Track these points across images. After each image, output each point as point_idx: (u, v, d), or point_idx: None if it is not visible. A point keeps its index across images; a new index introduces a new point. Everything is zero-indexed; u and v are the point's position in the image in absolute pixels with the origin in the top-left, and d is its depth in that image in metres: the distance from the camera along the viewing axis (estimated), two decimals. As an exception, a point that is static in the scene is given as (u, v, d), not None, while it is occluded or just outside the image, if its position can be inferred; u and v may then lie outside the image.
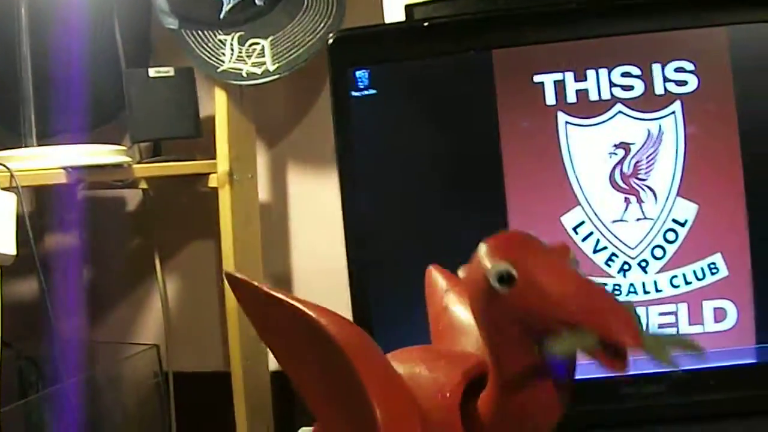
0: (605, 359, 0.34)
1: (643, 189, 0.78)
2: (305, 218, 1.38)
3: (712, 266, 0.78)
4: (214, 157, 1.22)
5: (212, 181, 1.20)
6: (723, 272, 0.77)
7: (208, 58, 1.19)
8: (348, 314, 0.70)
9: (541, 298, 0.35)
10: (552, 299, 0.35)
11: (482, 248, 0.38)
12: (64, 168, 1.02)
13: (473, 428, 0.41)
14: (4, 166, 0.97)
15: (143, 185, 1.27)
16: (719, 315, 0.78)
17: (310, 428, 0.90)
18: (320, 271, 1.25)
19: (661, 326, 0.78)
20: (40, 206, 1.13)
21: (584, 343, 0.34)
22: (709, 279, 0.78)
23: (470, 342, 0.47)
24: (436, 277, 0.54)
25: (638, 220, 0.78)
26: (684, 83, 0.77)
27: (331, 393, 0.44)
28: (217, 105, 1.21)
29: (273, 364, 1.32)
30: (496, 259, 0.37)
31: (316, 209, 1.34)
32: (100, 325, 1.51)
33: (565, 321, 0.34)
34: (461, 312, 0.50)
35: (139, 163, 1.22)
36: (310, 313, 0.41)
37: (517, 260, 0.36)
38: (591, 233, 0.79)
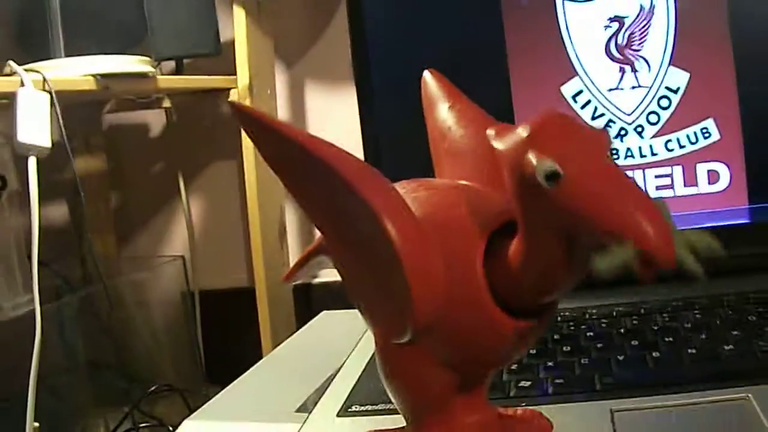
0: (641, 269, 0.32)
1: (637, 59, 0.83)
2: (324, 135, 1.43)
3: (704, 130, 0.82)
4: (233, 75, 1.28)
5: (233, 96, 1.25)
6: (715, 136, 0.82)
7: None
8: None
9: (586, 200, 0.33)
10: (597, 202, 0.33)
11: (524, 133, 0.35)
12: (93, 75, 1.08)
13: (497, 273, 0.39)
14: (37, 72, 1.03)
15: (166, 104, 1.32)
16: (713, 177, 0.83)
17: (332, 311, 0.95)
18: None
19: (658, 188, 0.83)
20: (69, 132, 1.18)
21: (627, 256, 0.32)
22: (702, 142, 0.83)
23: (476, 171, 0.45)
24: (434, 89, 0.52)
25: (633, 88, 0.83)
26: (672, -45, 0.82)
27: (337, 220, 0.44)
28: (236, 20, 1.26)
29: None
30: (541, 153, 0.34)
31: (334, 126, 1.39)
32: (127, 246, 1.57)
33: (609, 229, 0.32)
34: (464, 135, 0.48)
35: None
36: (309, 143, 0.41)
37: (564, 156, 0.33)
38: (589, 101, 0.83)
